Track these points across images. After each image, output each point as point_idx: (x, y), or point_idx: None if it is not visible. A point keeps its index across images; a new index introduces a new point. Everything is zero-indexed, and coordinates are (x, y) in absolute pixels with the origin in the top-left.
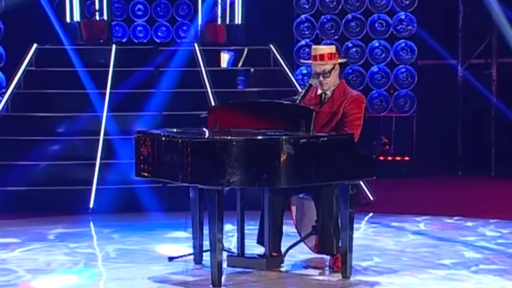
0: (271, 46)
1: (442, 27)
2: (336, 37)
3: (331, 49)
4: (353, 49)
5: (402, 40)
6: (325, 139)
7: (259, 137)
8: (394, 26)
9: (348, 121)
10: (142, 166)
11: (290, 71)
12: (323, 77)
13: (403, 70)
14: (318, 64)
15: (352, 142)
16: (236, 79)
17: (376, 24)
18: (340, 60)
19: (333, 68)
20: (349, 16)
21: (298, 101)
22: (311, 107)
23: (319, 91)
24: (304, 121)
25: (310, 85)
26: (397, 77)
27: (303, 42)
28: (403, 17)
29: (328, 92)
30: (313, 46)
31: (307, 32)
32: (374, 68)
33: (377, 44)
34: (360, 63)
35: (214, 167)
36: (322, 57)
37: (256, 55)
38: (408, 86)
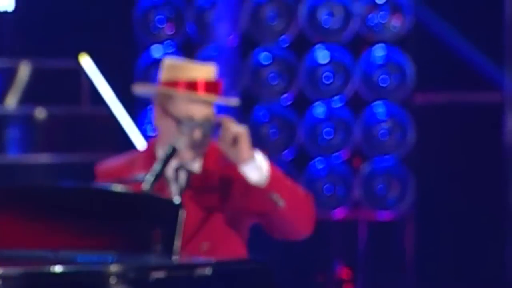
0: (82, 60)
1: (468, 22)
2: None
3: (213, 71)
4: (269, 69)
5: (380, 44)
6: (209, 272)
7: (57, 269)
8: (362, 17)
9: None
10: None
11: (124, 114)
12: (202, 132)
13: (380, 111)
14: (198, 99)
15: (269, 277)
16: (2, 135)
17: (321, 13)
18: (233, 100)
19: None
20: None
21: (147, 186)
22: (178, 200)
23: (175, 164)
24: (161, 232)
25: (174, 149)
26: (368, 129)
27: (158, 48)
28: None
29: (195, 166)
30: (172, 61)
31: (165, 26)
32: (318, 109)
33: (321, 55)
34: (284, 95)
35: None
36: (204, 86)
37: (48, 80)
38: (393, 149)
